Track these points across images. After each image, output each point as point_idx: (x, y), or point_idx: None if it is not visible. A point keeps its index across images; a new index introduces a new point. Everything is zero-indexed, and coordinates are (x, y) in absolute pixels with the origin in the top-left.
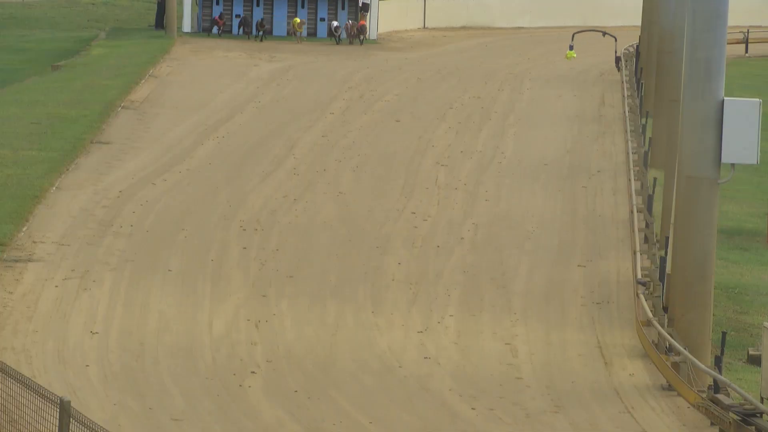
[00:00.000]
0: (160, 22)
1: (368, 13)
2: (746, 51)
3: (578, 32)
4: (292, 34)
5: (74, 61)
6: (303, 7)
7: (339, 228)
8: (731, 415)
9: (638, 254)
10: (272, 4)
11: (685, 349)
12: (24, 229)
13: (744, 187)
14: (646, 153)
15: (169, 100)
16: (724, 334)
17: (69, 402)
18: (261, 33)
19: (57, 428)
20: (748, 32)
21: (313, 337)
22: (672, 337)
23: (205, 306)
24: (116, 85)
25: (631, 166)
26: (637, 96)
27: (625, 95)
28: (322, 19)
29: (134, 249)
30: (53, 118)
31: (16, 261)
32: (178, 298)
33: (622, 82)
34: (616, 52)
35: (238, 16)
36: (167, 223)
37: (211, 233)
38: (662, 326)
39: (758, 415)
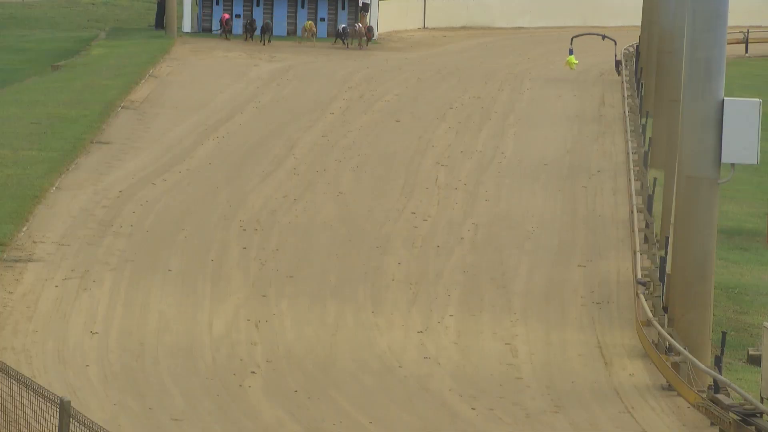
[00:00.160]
0: (160, 22)
1: (368, 13)
2: (746, 51)
3: (577, 36)
4: (305, 37)
5: (74, 61)
6: (303, 7)
7: (339, 228)
8: (731, 415)
9: (638, 254)
10: (272, 4)
11: (685, 349)
12: (24, 229)
13: (744, 187)
14: (646, 153)
15: (169, 100)
16: (724, 334)
17: (69, 402)
18: (267, 35)
19: (57, 428)
20: (748, 32)
21: (313, 337)
22: (672, 337)
23: (205, 306)
24: (116, 85)
25: (631, 166)
26: (637, 96)
27: (625, 95)
28: (322, 19)
29: (134, 249)
30: (53, 118)
31: (16, 261)
32: (178, 298)
33: (622, 82)
34: (616, 56)
35: (238, 16)
36: (167, 223)
37: (211, 233)
38: (662, 326)
39: (758, 415)
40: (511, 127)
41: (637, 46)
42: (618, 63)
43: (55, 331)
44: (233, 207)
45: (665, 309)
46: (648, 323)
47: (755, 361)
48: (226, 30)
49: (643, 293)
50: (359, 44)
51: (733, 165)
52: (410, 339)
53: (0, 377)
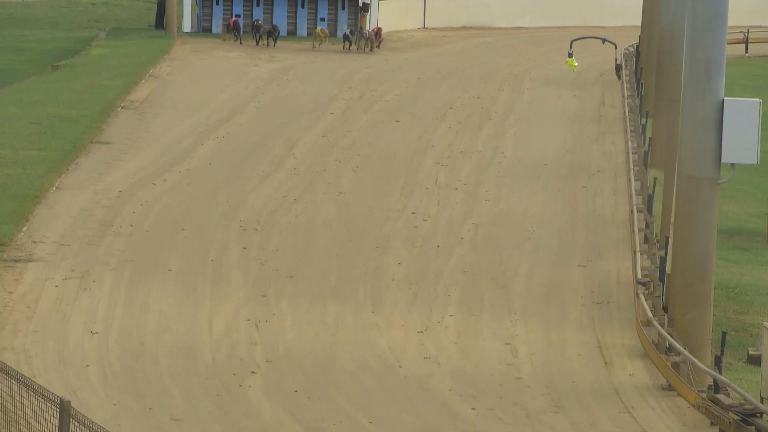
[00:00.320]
0: (160, 22)
1: (368, 13)
2: (746, 51)
3: (576, 39)
4: (317, 42)
5: (74, 61)
6: (303, 7)
7: (339, 228)
8: (731, 415)
9: (638, 254)
10: (272, 4)
11: (685, 349)
12: (24, 229)
13: (744, 187)
14: (646, 153)
15: (169, 100)
16: (724, 334)
17: (69, 402)
18: (273, 38)
19: (57, 428)
20: (748, 32)
21: (313, 337)
22: (672, 337)
23: (205, 306)
24: (116, 85)
25: (631, 166)
26: (637, 96)
27: (625, 95)
28: (322, 19)
29: (134, 249)
30: (53, 118)
31: (16, 261)
32: (178, 298)
33: (622, 83)
34: (616, 60)
35: (238, 16)
36: (167, 223)
37: (211, 233)
38: (662, 326)
39: (758, 415)
40: (511, 127)
41: (637, 46)
42: (618, 67)
43: (55, 331)
44: (233, 207)
45: (665, 309)
46: (648, 323)
47: (755, 361)
48: (236, 33)
49: (643, 293)
50: (370, 48)
51: (733, 165)
52: (410, 339)
53: (0, 377)
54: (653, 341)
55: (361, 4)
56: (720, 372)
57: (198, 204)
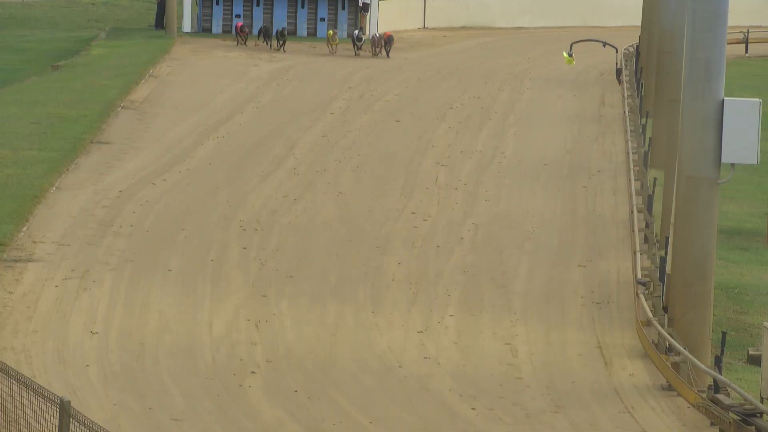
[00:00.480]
0: (160, 22)
1: (368, 13)
2: (746, 51)
3: (577, 42)
4: (333, 44)
5: (74, 61)
6: (303, 7)
7: (339, 228)
8: (731, 415)
9: (638, 254)
10: (272, 4)
11: (685, 349)
12: (24, 229)
13: (744, 187)
14: (646, 153)
15: (169, 100)
16: (724, 334)
17: (69, 402)
18: (282, 41)
19: (57, 428)
20: (748, 32)
21: (313, 337)
22: (672, 337)
23: (205, 306)
24: (116, 85)
25: (631, 166)
26: (637, 96)
27: (625, 95)
28: (322, 19)
29: (134, 249)
30: (53, 118)
31: (16, 261)
32: (178, 298)
33: (622, 83)
34: (617, 64)
35: (238, 16)
36: (167, 223)
37: (211, 233)
38: (662, 326)
39: (758, 415)
40: (511, 127)
41: (637, 46)
42: (619, 71)
43: (55, 331)
44: (233, 207)
45: (665, 309)
46: (648, 323)
47: (755, 361)
48: (242, 37)
49: (643, 293)
50: (376, 53)
51: (733, 165)
52: (410, 339)
53: (0, 377)
54: (653, 341)
55: (361, 4)
56: (720, 372)
57: (198, 204)
